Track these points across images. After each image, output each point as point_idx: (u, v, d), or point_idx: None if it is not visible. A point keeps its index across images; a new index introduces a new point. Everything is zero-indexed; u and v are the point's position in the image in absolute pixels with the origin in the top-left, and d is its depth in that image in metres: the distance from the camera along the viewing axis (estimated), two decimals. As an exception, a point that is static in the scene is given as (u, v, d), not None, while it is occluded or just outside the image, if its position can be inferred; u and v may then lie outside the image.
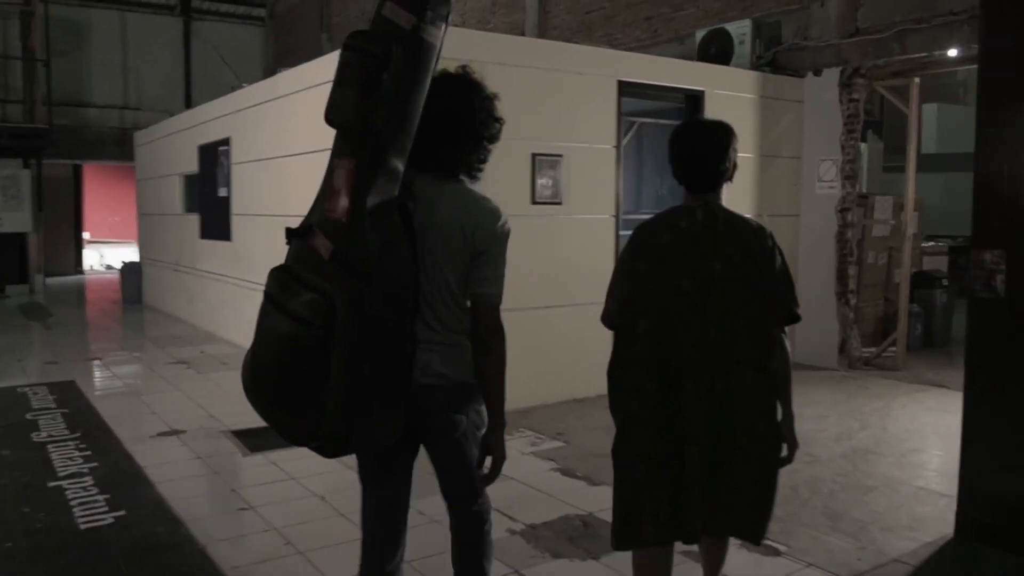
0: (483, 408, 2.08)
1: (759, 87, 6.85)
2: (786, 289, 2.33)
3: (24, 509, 3.74)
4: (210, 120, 9.01)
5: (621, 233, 6.22)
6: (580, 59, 5.84)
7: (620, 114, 5.98)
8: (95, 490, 3.99)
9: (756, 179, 6.78)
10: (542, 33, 10.30)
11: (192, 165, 9.57)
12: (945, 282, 8.02)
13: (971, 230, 3.29)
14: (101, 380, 6.82)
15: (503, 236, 2.05)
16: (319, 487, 4.09)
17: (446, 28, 1.93)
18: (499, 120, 2.11)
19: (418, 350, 1.98)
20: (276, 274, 1.96)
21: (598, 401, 5.85)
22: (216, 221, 8.82)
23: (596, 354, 5.88)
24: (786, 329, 2.33)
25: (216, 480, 4.27)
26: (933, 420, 5.35)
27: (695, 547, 2.69)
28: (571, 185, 5.74)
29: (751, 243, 2.30)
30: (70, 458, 4.50)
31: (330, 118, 1.91)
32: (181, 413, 5.59)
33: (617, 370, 2.40)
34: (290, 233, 1.97)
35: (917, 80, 6.67)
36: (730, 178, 2.40)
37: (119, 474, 4.27)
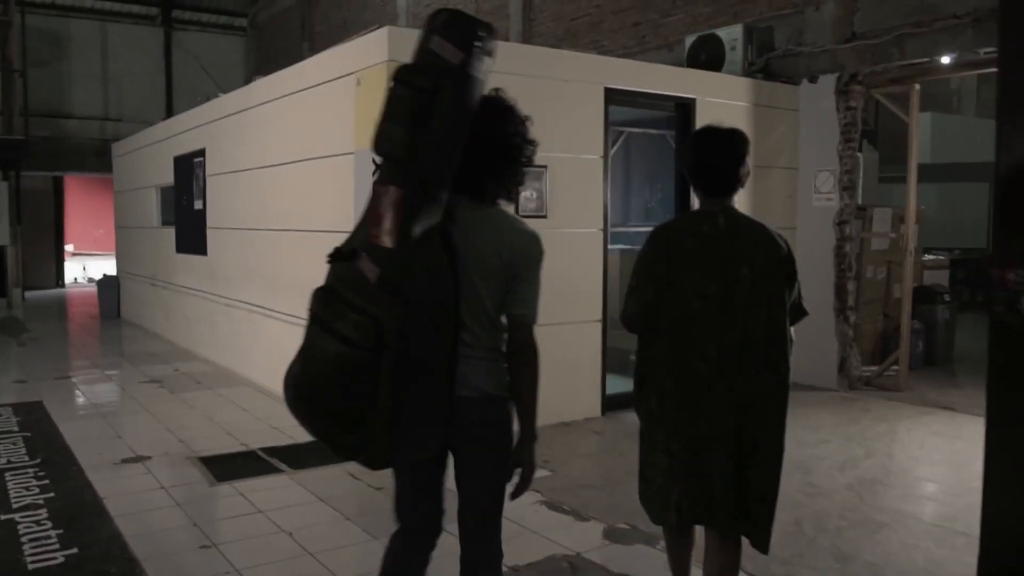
0: (513, 423, 2.17)
1: (753, 95, 6.61)
2: (798, 290, 2.49)
3: (-33, 548, 3.43)
4: (185, 131, 8.71)
5: (609, 248, 5.96)
6: (566, 65, 5.58)
7: (607, 123, 5.71)
8: (49, 524, 3.71)
9: (750, 190, 6.52)
10: (527, 41, 10.07)
11: (168, 177, 9.26)
12: (947, 297, 7.78)
13: (992, 246, 3.01)
14: (69, 400, 6.49)
15: (539, 258, 2.15)
16: (288, 522, 3.79)
17: (492, 60, 2.00)
18: (533, 143, 2.18)
19: (457, 364, 2.08)
20: (320, 295, 2.00)
21: (585, 425, 5.57)
22: (191, 235, 8.51)
23: (583, 376, 5.65)
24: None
25: (179, 513, 3.95)
26: (942, 446, 5.07)
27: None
28: (556, 197, 5.46)
29: (771, 248, 2.41)
30: (27, 488, 4.21)
31: (381, 150, 1.97)
32: (148, 437, 5.27)
33: (641, 369, 2.52)
34: (334, 254, 2.01)
35: (917, 87, 6.45)
36: (743, 184, 2.49)
37: (76, 506, 3.97)
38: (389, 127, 1.93)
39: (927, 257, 8.62)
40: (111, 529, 3.67)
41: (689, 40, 7.35)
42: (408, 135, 1.90)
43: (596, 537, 3.62)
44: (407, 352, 1.87)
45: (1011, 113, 3.06)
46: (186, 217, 8.71)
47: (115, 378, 7.44)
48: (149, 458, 4.79)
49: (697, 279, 2.40)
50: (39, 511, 3.87)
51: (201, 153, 8.13)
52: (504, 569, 2.93)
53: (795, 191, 6.93)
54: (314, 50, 15.40)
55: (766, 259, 2.40)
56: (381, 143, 1.96)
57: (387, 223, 1.90)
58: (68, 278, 18.30)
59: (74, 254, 20.73)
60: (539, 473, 4.61)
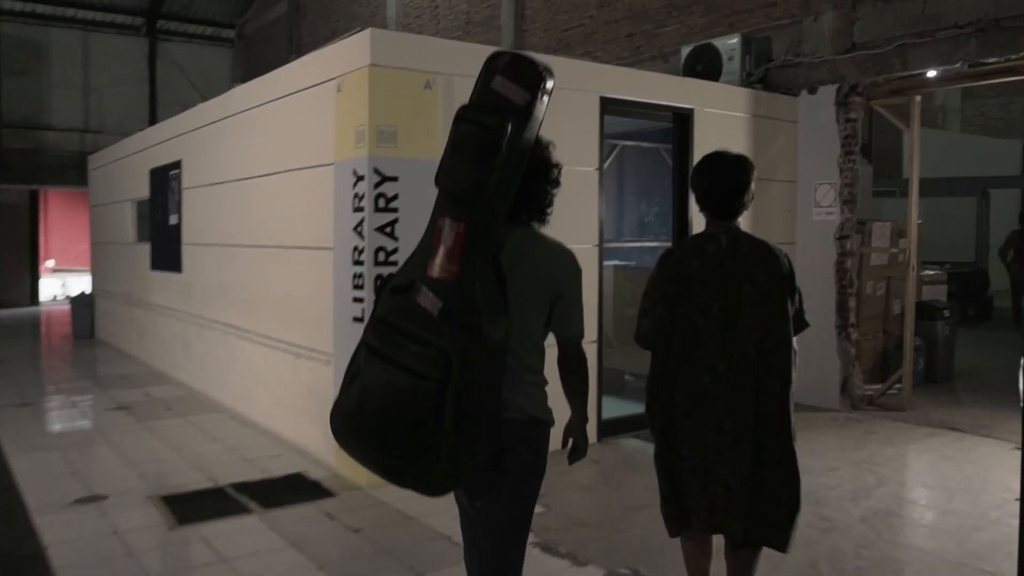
0: (546, 449, 2.24)
1: (752, 105, 6.37)
2: (800, 303, 2.62)
3: None
4: (161, 142, 8.37)
5: (605, 264, 5.67)
6: (560, 72, 5.23)
7: (603, 133, 5.44)
8: (-22, 581, 3.33)
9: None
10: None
11: (144, 190, 8.91)
12: (947, 313, 7.54)
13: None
14: (26, 430, 6.08)
15: (578, 275, 2.26)
16: (252, 571, 3.44)
17: (549, 100, 2.05)
18: (558, 166, 2.26)
19: (503, 388, 2.11)
20: (376, 327, 2.04)
21: (582, 454, 5.27)
22: (166, 251, 8.16)
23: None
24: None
25: (131, 565, 3.57)
26: (955, 472, 4.80)
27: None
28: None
29: (772, 264, 2.55)
30: (-35, 534, 3.83)
31: (447, 185, 2.01)
32: (108, 473, 4.91)
33: (653, 384, 2.67)
34: (390, 286, 2.06)
35: (918, 99, 6.23)
36: (748, 208, 2.64)
37: (14, 559, 3.61)
38: (455, 164, 2.00)
39: (926, 272, 8.40)
40: (52, 585, 3.31)
41: (685, 50, 7.12)
42: (475, 173, 1.95)
43: (595, 584, 3.31)
44: (472, 381, 1.92)
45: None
46: (161, 232, 8.36)
47: (81, 404, 7.05)
48: (105, 497, 4.42)
49: (702, 297, 2.55)
50: (-30, 565, 3.50)
51: (177, 165, 7.80)
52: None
53: (794, 205, 6.68)
54: (299, 62, 15.16)
55: (768, 275, 2.54)
56: (447, 179, 2.01)
57: (451, 257, 1.96)
58: (47, 295, 17.81)
59: (55, 270, 20.28)
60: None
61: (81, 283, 18.04)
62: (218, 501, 4.37)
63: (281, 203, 5.71)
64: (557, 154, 2.28)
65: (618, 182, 8.27)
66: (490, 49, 5.26)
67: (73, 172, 16.33)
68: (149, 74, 17.99)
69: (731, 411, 2.52)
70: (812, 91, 6.52)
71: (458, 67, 4.78)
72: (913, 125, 6.28)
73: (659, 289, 2.63)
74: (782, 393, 2.54)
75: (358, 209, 4.55)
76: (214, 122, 6.88)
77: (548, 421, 2.22)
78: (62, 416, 6.69)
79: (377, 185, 4.47)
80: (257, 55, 17.84)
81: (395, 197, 4.52)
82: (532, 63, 2.04)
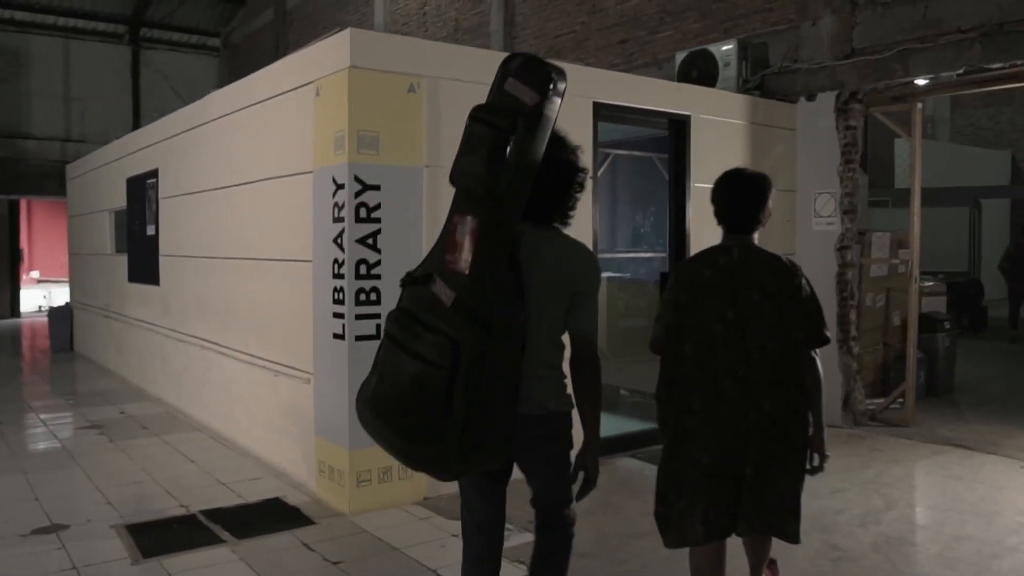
0: (572, 432, 2.30)
1: (749, 112, 6.17)
2: (817, 316, 2.68)
3: None
4: (138, 150, 8.10)
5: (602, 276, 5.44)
6: (550, 78, 5.07)
7: (597, 141, 5.22)
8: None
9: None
10: (508, 59, 9.62)
11: (122, 200, 8.62)
12: (947, 325, 7.36)
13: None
14: (-9, 451, 5.78)
15: (597, 277, 2.32)
16: (221, 612, 3.17)
17: (561, 101, 2.14)
18: (584, 170, 2.34)
19: (521, 382, 2.18)
20: (397, 316, 2.14)
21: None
22: (144, 263, 7.87)
23: (572, 417, 5.11)
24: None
25: (90, 603, 3.30)
26: (966, 493, 4.58)
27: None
28: (541, 222, 4.93)
29: (783, 276, 2.64)
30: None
31: (460, 183, 2.12)
32: (72, 499, 4.61)
33: (664, 391, 2.73)
34: (409, 278, 2.16)
35: (920, 105, 6.06)
36: (764, 225, 2.74)
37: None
38: (467, 162, 2.10)
39: (924, 283, 8.22)
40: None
41: (680, 57, 6.92)
42: (486, 170, 2.05)
43: (592, 624, 3.05)
44: (482, 370, 1.99)
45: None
46: (138, 243, 8.08)
47: (52, 423, 6.74)
48: (67, 527, 4.12)
49: (716, 305, 2.64)
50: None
51: (154, 174, 7.52)
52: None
53: (793, 215, 6.48)
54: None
55: (777, 286, 2.62)
56: (460, 177, 2.12)
57: (464, 250, 2.05)
58: (31, 307, 17.42)
59: (39, 281, 19.96)
60: (524, 537, 4.05)
61: (66, 294, 17.71)
62: (188, 530, 4.09)
63: (260, 213, 5.46)
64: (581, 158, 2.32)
65: (611, 192, 8.06)
66: (478, 51, 5.05)
67: (54, 182, 15.97)
68: (132, 83, 17.70)
69: (747, 414, 2.61)
70: (811, 98, 6.33)
71: (444, 70, 4.56)
72: (915, 133, 6.10)
73: (672, 298, 2.73)
74: (797, 399, 2.63)
75: (338, 219, 4.30)
76: (191, 129, 6.62)
77: (566, 410, 2.28)
78: (30, 436, 6.37)
79: (358, 194, 4.22)
80: (243, 64, 17.57)
81: (377, 207, 4.28)
82: (543, 65, 2.12)
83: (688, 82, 6.58)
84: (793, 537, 2.67)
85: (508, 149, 2.05)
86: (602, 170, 7.34)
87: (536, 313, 2.16)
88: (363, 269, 4.26)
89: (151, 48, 18.09)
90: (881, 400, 6.50)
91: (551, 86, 2.10)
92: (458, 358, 1.97)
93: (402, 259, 4.37)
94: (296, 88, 4.86)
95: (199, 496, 4.63)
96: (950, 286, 10.55)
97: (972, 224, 16.78)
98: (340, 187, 4.28)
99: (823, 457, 2.70)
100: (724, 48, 6.58)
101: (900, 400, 6.37)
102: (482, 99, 4.86)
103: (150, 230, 7.65)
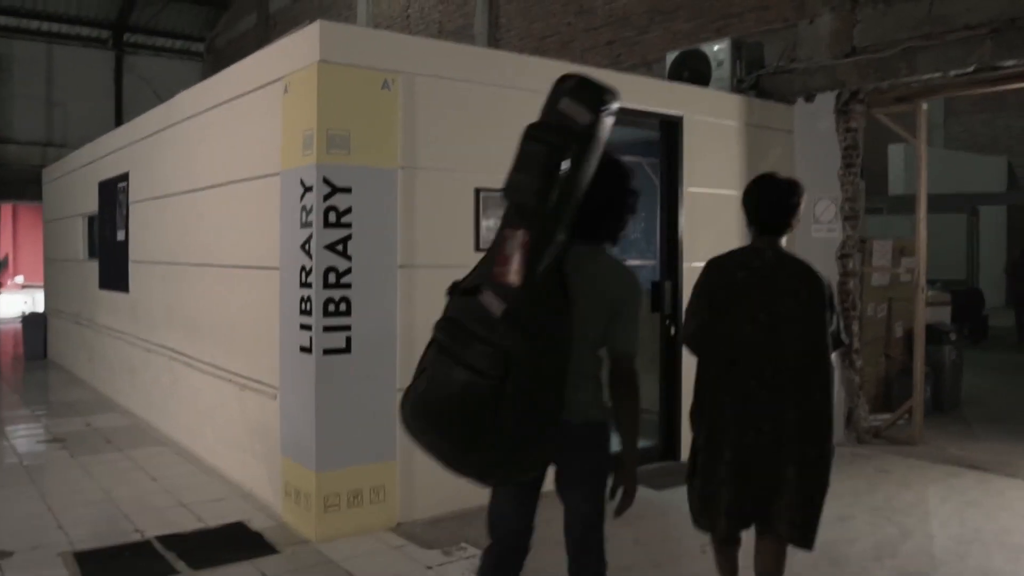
0: (609, 447, 2.35)
1: (745, 113, 5.90)
2: (838, 321, 2.80)
3: None
4: (109, 153, 7.78)
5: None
6: (535, 73, 4.76)
7: (584, 142, 4.93)
8: None
9: (742, 220, 5.75)
10: (495, 60, 9.37)
11: (95, 204, 8.30)
12: (953, 336, 7.08)
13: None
14: (-58, 470, 5.44)
15: (639, 296, 2.38)
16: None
17: (613, 121, 2.22)
18: (636, 193, 2.43)
19: (564, 391, 2.22)
20: (446, 325, 2.20)
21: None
22: (114, 269, 7.54)
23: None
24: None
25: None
26: (988, 523, 4.25)
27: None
28: (525, 227, 4.64)
29: (814, 282, 2.75)
30: None
31: (513, 198, 2.21)
32: (20, 523, 4.27)
33: (699, 388, 2.84)
34: (460, 289, 2.22)
35: (925, 106, 5.80)
36: (793, 229, 2.87)
37: None
38: (520, 178, 2.18)
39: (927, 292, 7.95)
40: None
41: (671, 57, 6.65)
42: (538, 186, 2.13)
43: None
44: (530, 380, 2.07)
45: None
46: (108, 249, 7.75)
47: (13, 435, 6.39)
48: (10, 555, 3.79)
49: (748, 307, 2.73)
50: None
51: (124, 178, 7.21)
52: None
53: (791, 221, 6.19)
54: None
55: (809, 292, 2.73)
56: (512, 191, 2.21)
57: (515, 263, 2.12)
58: (13, 312, 17.01)
59: (24, 286, 19.58)
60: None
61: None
62: (140, 559, 3.76)
63: (227, 218, 5.15)
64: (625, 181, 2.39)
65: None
66: (457, 46, 4.77)
67: (35, 187, 15.60)
68: (115, 88, 17.44)
69: (771, 415, 2.70)
70: (809, 99, 6.07)
71: (421, 66, 4.27)
72: (920, 135, 5.85)
73: (706, 296, 2.82)
74: (823, 403, 2.71)
75: (306, 224, 3.99)
76: (160, 130, 6.31)
77: (605, 421, 2.35)
78: (-14, 452, 6.03)
79: (327, 197, 3.92)
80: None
81: (348, 211, 3.97)
82: (598, 87, 2.20)
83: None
84: (808, 543, 2.75)
85: (560, 167, 2.12)
86: (592, 174, 7.05)
87: (579, 326, 2.22)
88: (332, 277, 3.95)
89: (134, 53, 17.81)
90: (886, 416, 6.21)
91: (604, 107, 2.18)
92: (508, 368, 2.03)
93: (374, 267, 4.07)
94: (265, 85, 4.56)
95: (157, 519, 4.30)
96: (951, 295, 10.32)
97: (971, 231, 16.57)
98: (308, 190, 3.98)
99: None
100: (717, 47, 6.31)
101: (906, 416, 6.08)
102: (462, 97, 4.62)
103: (120, 235, 7.33)
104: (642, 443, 4.43)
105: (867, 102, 5.86)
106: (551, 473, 2.40)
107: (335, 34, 4.02)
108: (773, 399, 2.68)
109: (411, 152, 4.21)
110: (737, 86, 6.25)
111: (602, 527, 2.40)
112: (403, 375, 4.16)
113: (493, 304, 2.10)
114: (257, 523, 4.25)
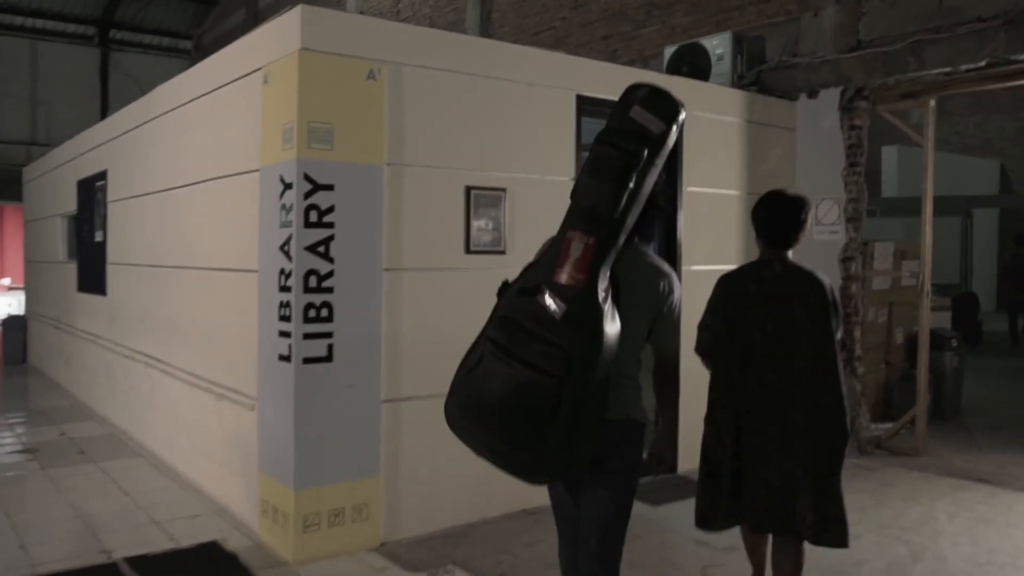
0: (643, 450, 2.47)
1: (746, 110, 5.68)
2: (841, 324, 2.98)
3: None
4: (88, 150, 7.51)
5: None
6: (530, 65, 4.56)
7: (580, 138, 4.70)
8: None
9: (743, 221, 5.56)
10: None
11: (73, 204, 8.02)
12: (955, 343, 6.88)
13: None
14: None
15: (679, 295, 2.46)
16: None
17: (679, 131, 2.27)
18: (662, 194, 2.48)
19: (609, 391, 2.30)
20: (503, 324, 2.22)
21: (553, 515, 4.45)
22: (93, 271, 7.27)
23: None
24: None
25: None
26: (1002, 541, 4.04)
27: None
28: (517, 229, 4.40)
29: (820, 291, 2.91)
30: None
31: (585, 203, 2.23)
32: (-21, 542, 4.02)
33: (711, 393, 3.02)
34: (516, 289, 2.24)
35: (933, 103, 5.60)
36: (800, 243, 2.98)
37: None
38: (593, 183, 2.22)
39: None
40: None
41: (669, 51, 6.44)
42: (612, 192, 2.18)
43: None
44: (589, 380, 2.12)
45: None
46: (87, 250, 7.48)
47: (-19, 446, 6.12)
48: (-37, 579, 3.55)
49: (759, 315, 2.92)
50: None
51: (103, 176, 6.94)
52: None
53: (793, 223, 5.98)
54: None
55: (816, 300, 2.89)
56: (584, 196, 2.23)
57: (577, 266, 2.16)
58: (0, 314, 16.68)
59: (11, 288, 19.24)
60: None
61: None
62: (105, 585, 3.51)
63: (205, 217, 4.89)
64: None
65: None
66: (447, 34, 4.52)
67: (18, 187, 15.32)
68: (101, 85, 17.13)
69: (777, 419, 2.85)
70: (812, 95, 5.86)
71: (409, 55, 4.03)
72: (927, 132, 5.64)
73: (720, 308, 3.01)
74: (832, 404, 2.83)
75: (285, 224, 3.75)
76: (139, 126, 6.05)
77: (644, 422, 2.43)
78: (-47, 464, 5.75)
79: (308, 195, 3.68)
80: (216, 65, 17.05)
81: (330, 210, 3.73)
82: (670, 97, 2.25)
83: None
84: (843, 542, 2.85)
85: (633, 174, 2.17)
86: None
87: (624, 327, 2.26)
88: (313, 281, 3.71)
89: (121, 50, 17.50)
90: (888, 425, 6.01)
91: (677, 118, 2.23)
92: (568, 368, 2.08)
93: (358, 270, 3.83)
94: (245, 76, 4.32)
95: (127, 538, 4.05)
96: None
97: (964, 234, 16.44)
98: (288, 187, 3.74)
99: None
100: (717, 42, 6.10)
101: (908, 425, 5.88)
102: (453, 90, 4.38)
103: (98, 236, 7.05)
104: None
105: (872, 99, 5.66)
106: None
107: (318, 20, 3.78)
108: (778, 403, 2.85)
109: (398, 147, 3.97)
110: (738, 82, 6.04)
111: (623, 534, 2.44)
112: (388, 385, 3.92)
113: (553, 305, 2.14)
114: (233, 543, 4.00)
